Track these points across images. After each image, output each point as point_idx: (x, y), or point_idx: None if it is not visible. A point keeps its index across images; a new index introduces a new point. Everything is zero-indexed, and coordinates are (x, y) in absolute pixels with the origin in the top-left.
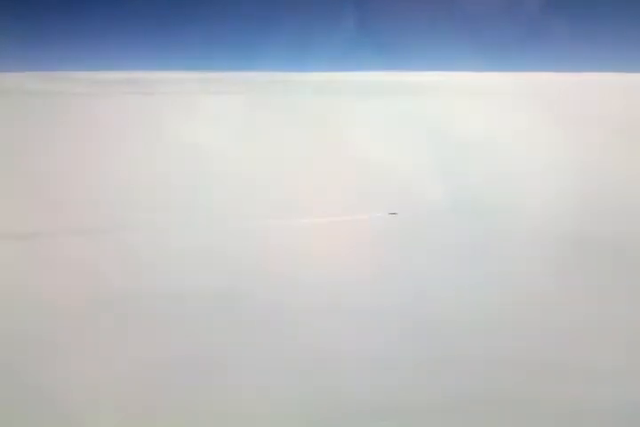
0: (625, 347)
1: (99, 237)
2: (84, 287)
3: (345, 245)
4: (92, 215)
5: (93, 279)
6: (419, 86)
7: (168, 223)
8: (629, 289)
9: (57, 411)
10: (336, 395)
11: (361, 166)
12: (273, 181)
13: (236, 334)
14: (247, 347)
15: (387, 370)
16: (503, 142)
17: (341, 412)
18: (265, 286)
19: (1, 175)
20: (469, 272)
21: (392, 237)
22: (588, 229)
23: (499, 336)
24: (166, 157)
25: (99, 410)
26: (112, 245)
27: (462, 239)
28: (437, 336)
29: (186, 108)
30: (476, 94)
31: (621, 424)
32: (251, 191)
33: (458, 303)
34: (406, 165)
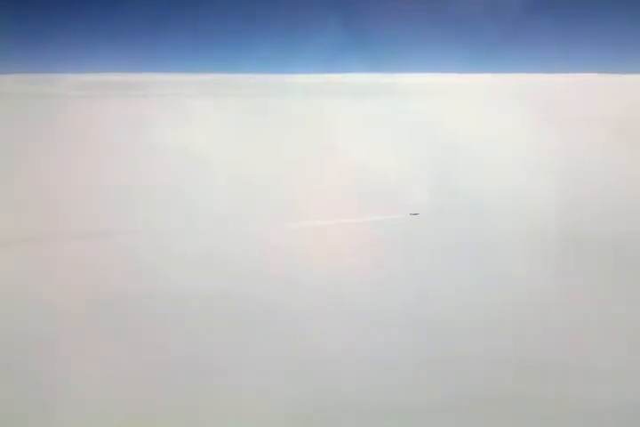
0: (623, 347)
1: (97, 241)
2: (86, 292)
3: (372, 246)
4: (90, 219)
5: (95, 283)
6: (411, 88)
7: (168, 226)
8: (626, 289)
9: (61, 413)
10: (338, 396)
11: (361, 169)
12: (277, 184)
13: (244, 341)
14: (256, 354)
15: (401, 373)
16: (497, 143)
17: (342, 413)
18: (281, 291)
19: None
20: (475, 273)
21: (406, 238)
22: (579, 229)
23: (505, 337)
24: (160, 160)
25: (106, 413)
26: (111, 248)
27: (459, 240)
28: (448, 337)
29: (181, 110)
30: (468, 96)
31: (621, 425)
32: (255, 194)
33: (469, 304)
34: (405, 166)
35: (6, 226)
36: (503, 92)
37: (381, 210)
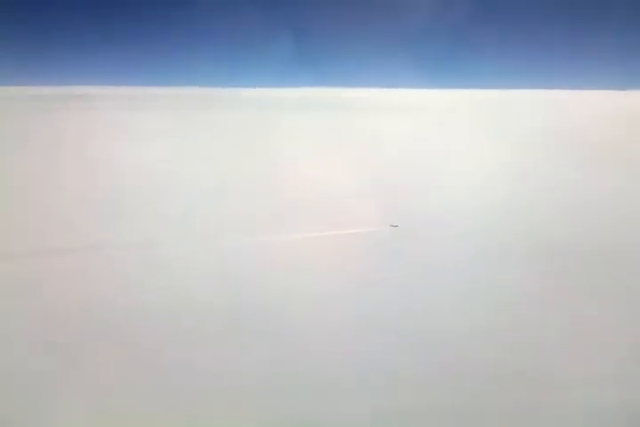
0: (615, 355)
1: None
2: (84, 304)
3: (355, 256)
4: (60, 235)
5: (94, 296)
6: (370, 102)
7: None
8: (588, 297)
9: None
10: (338, 400)
11: (329, 183)
12: (250, 198)
13: (251, 356)
14: (258, 363)
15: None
16: (463, 158)
17: (342, 414)
18: (266, 301)
19: None
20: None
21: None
22: (552, 239)
23: (484, 346)
24: (107, 175)
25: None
26: (93, 263)
27: (435, 251)
28: (445, 344)
29: (143, 123)
30: (419, 110)
31: None
32: (235, 208)
33: (448, 312)
34: (371, 181)
35: None
36: (466, 107)
37: (361, 222)
